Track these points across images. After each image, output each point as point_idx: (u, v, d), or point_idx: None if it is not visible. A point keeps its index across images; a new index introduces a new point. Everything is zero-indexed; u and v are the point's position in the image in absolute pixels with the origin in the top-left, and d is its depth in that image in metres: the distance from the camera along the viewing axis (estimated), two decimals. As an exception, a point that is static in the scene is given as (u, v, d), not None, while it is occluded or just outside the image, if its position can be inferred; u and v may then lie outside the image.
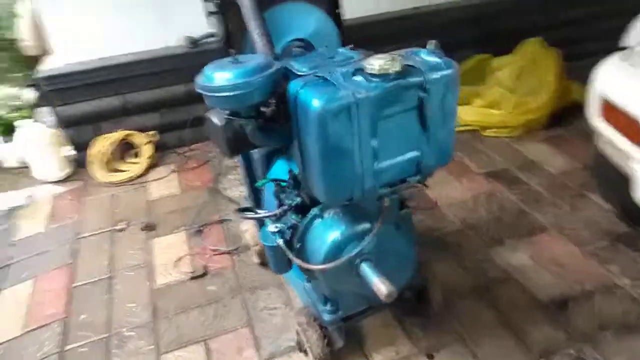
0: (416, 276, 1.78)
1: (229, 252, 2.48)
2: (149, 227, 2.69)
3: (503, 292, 2.13)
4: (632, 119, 1.91)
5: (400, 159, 1.37)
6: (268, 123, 1.43)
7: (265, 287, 2.25)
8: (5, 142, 3.35)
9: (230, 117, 1.38)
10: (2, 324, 2.21)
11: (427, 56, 1.35)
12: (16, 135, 3.22)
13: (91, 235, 2.72)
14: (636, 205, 2.04)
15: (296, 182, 1.58)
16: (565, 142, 3.18)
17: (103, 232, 2.73)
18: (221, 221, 2.70)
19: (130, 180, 3.18)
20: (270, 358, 1.93)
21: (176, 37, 3.07)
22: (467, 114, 3.39)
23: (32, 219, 2.90)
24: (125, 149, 3.31)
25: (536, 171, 2.93)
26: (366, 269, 1.46)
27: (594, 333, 1.92)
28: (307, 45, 1.79)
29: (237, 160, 2.21)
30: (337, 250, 1.50)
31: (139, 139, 3.30)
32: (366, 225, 1.51)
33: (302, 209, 1.60)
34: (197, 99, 1.35)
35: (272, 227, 1.60)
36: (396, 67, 1.24)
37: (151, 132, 3.33)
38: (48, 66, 3.14)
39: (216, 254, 2.47)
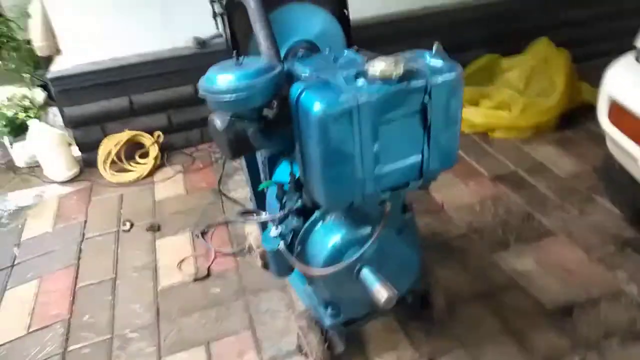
0: (419, 281, 1.77)
1: (233, 254, 2.47)
2: (154, 228, 2.70)
3: (507, 297, 2.11)
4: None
5: (402, 163, 1.35)
6: (270, 126, 1.42)
7: (268, 289, 2.24)
8: (16, 141, 3.37)
9: (233, 120, 1.38)
10: (6, 323, 2.23)
11: (431, 59, 1.33)
12: (28, 134, 3.24)
13: (97, 235, 2.73)
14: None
15: (298, 185, 1.57)
16: (574, 145, 3.14)
17: (109, 232, 2.74)
18: (226, 223, 2.70)
19: (137, 180, 3.19)
20: (271, 361, 1.93)
21: (184, 38, 3.07)
22: (475, 116, 3.36)
23: (40, 219, 2.92)
24: (132, 149, 3.32)
25: (544, 174, 2.90)
26: (366, 274, 1.45)
27: (599, 341, 1.89)
28: (312, 47, 1.78)
29: (239, 162, 2.20)
30: (337, 254, 1.49)
31: (146, 139, 3.31)
32: (367, 230, 1.50)
33: (303, 213, 1.59)
34: (204, 99, 1.35)
35: (273, 231, 1.59)
36: (399, 71, 1.23)
37: (157, 133, 3.34)
38: (56, 67, 3.16)
39: (220, 256, 2.47)
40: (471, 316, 2.04)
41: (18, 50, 3.51)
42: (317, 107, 1.19)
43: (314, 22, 1.79)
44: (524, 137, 3.27)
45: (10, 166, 3.45)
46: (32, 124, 3.19)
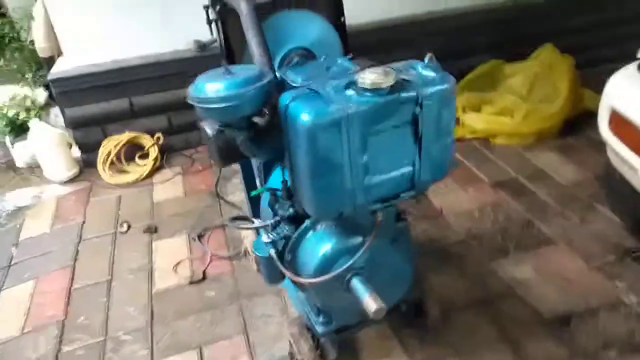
0: (412, 290, 1.75)
1: (229, 258, 2.47)
2: (151, 230, 2.70)
3: (505, 305, 2.09)
4: (641, 134, 1.85)
5: (393, 174, 1.34)
6: (261, 134, 1.41)
7: (263, 294, 2.23)
8: (16, 141, 3.39)
9: (222, 128, 1.37)
10: (1, 324, 2.23)
11: (423, 70, 1.32)
12: (28, 134, 3.26)
13: (94, 236, 2.74)
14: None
15: (289, 193, 1.56)
16: (576, 152, 3.11)
17: (106, 233, 2.75)
18: (222, 226, 2.69)
19: (136, 182, 3.19)
20: (264, 367, 1.92)
21: (185, 41, 3.08)
22: (477, 122, 3.34)
23: (38, 219, 2.94)
24: (132, 150, 3.33)
25: (545, 181, 2.87)
26: (356, 284, 1.44)
27: (597, 351, 1.87)
28: (308, 54, 1.77)
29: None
30: (327, 264, 1.47)
31: (146, 141, 3.31)
32: (359, 239, 1.49)
33: (295, 220, 1.58)
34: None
35: (265, 238, 1.58)
36: (389, 82, 1.21)
37: (157, 135, 3.34)
38: (57, 68, 3.17)
39: (216, 259, 2.46)
40: (467, 324, 2.02)
41: (21, 50, 3.53)
42: (306, 117, 1.18)
43: (310, 29, 1.78)
44: (525, 143, 3.24)
45: (11, 166, 3.47)
46: (33, 124, 3.20)
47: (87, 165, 3.36)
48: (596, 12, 3.95)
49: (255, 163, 1.94)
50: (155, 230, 2.71)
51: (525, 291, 2.14)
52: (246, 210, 2.44)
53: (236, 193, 2.94)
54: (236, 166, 3.04)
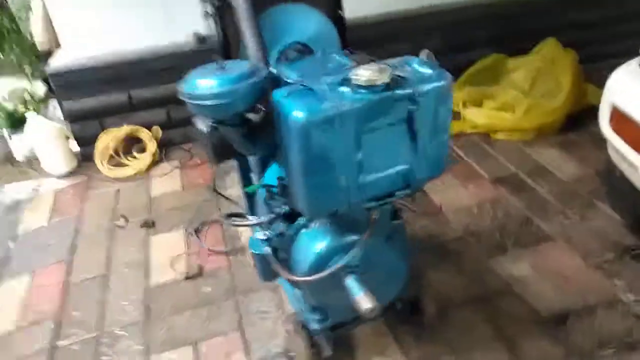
0: (408, 288, 1.74)
1: (225, 253, 2.46)
2: (148, 224, 2.69)
3: (501, 303, 2.07)
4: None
5: (388, 172, 1.32)
6: (255, 130, 1.39)
7: (259, 289, 2.22)
8: (15, 134, 3.38)
9: (215, 125, 1.35)
10: (-3, 318, 2.24)
11: (419, 66, 1.30)
12: (25, 127, 3.25)
13: (92, 230, 2.74)
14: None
15: (285, 190, 1.55)
16: (578, 148, 3.08)
17: (103, 227, 2.75)
18: (220, 220, 2.68)
19: (134, 175, 3.18)
20: (259, 363, 1.92)
21: (184, 34, 3.04)
22: (478, 117, 3.31)
23: (36, 212, 2.94)
24: (131, 144, 3.31)
25: (546, 177, 2.85)
26: (350, 282, 1.43)
27: (593, 350, 1.85)
28: (305, 49, 1.75)
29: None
30: (322, 262, 1.46)
31: (144, 134, 3.30)
32: (354, 237, 1.47)
33: (290, 217, 1.57)
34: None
35: (259, 235, 1.57)
36: (384, 79, 1.19)
37: (156, 128, 3.33)
38: (56, 61, 3.16)
39: (213, 254, 2.46)
40: (463, 321, 2.01)
41: (19, 43, 3.51)
42: (298, 114, 1.16)
43: (308, 23, 1.76)
44: (526, 139, 3.21)
45: (9, 159, 3.47)
46: (30, 117, 3.19)
47: (85, 158, 3.35)
48: (600, 7, 3.90)
49: (251, 158, 1.92)
50: (153, 224, 2.70)
51: (523, 289, 2.13)
52: (243, 205, 2.43)
53: (234, 187, 2.90)
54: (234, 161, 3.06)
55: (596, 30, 3.94)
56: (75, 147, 3.34)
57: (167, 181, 3.12)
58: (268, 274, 1.61)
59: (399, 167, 1.33)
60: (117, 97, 3.26)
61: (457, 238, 2.46)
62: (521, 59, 3.54)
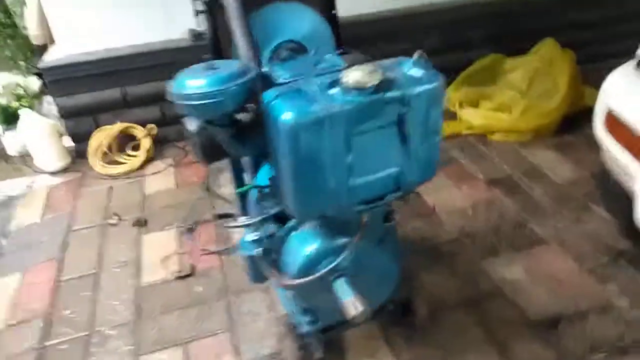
0: (400, 290, 1.73)
1: (218, 252, 2.44)
2: (141, 223, 2.68)
3: (493, 306, 2.07)
4: (638, 136, 1.81)
5: (378, 175, 1.31)
6: (245, 130, 1.38)
7: (251, 290, 2.21)
8: (8, 130, 3.36)
9: (204, 125, 1.34)
10: (-14, 317, 2.22)
11: (411, 68, 1.28)
12: (18, 124, 3.22)
13: (84, 228, 2.72)
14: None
15: (276, 191, 1.53)
16: (574, 150, 3.07)
17: (95, 225, 2.73)
18: (213, 220, 2.67)
19: (128, 173, 3.16)
20: (249, 365, 1.91)
21: (179, 30, 3.02)
22: (475, 117, 3.30)
23: (29, 209, 2.91)
24: (125, 141, 3.29)
25: (541, 179, 2.84)
26: (339, 286, 1.41)
27: (584, 355, 1.85)
28: (299, 47, 1.73)
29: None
30: (311, 264, 1.45)
31: (138, 131, 3.28)
32: (344, 240, 1.46)
33: (281, 218, 1.55)
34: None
35: (250, 235, 1.56)
36: (374, 81, 1.18)
37: (150, 125, 3.31)
38: (49, 56, 3.13)
39: (205, 254, 2.44)
40: (455, 323, 2.00)
41: (14, 37, 3.48)
42: (287, 116, 1.15)
43: (301, 22, 1.74)
44: (523, 140, 3.20)
45: (2, 155, 3.44)
46: (24, 113, 3.17)
47: (79, 155, 3.32)
48: (599, 7, 3.89)
49: (244, 158, 1.90)
50: (145, 223, 2.68)
51: (515, 292, 2.12)
52: (235, 204, 2.42)
53: (228, 186, 2.90)
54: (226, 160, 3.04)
55: (596, 30, 3.93)
56: (69, 143, 3.31)
57: (161, 179, 3.10)
58: (258, 276, 1.59)
59: (390, 170, 1.32)
60: (111, 93, 3.23)
61: (451, 240, 2.45)
62: (519, 59, 3.52)
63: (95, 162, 3.19)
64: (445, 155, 3.05)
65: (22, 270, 2.45)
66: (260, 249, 1.52)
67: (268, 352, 1.92)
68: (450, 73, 3.57)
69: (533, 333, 1.94)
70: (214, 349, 1.97)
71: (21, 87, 3.37)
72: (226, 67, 1.28)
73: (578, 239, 2.38)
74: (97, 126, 3.26)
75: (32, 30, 3.32)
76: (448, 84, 3.49)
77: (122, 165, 3.19)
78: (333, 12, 1.82)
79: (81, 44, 3.10)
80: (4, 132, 3.36)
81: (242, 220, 1.64)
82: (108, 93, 3.23)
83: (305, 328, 1.71)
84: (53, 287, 2.33)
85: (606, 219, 2.46)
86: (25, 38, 3.47)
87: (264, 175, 1.74)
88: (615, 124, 1.94)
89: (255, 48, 1.47)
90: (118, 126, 3.23)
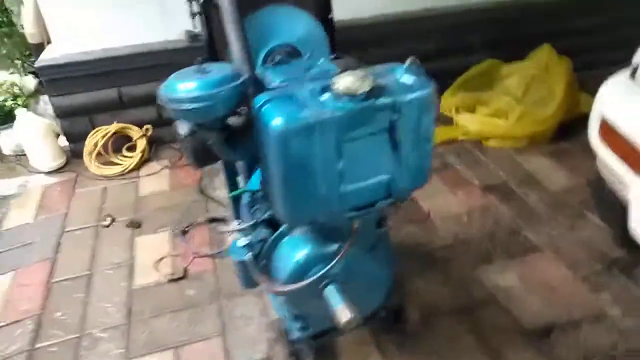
0: (392, 296, 1.72)
1: (211, 255, 2.43)
2: (134, 225, 2.66)
3: (486, 314, 2.06)
4: (632, 145, 1.81)
5: (369, 182, 1.30)
6: (236, 135, 1.37)
7: (244, 294, 2.19)
8: (3, 129, 3.35)
9: (195, 129, 1.33)
10: (-24, 317, 2.21)
11: (403, 75, 1.27)
12: (14, 124, 3.21)
13: (77, 229, 2.70)
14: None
15: (268, 196, 1.52)
16: (569, 157, 3.06)
17: (89, 226, 2.71)
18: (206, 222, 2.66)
19: (123, 174, 3.15)
20: (240, 370, 1.90)
21: (176, 31, 3.02)
22: (471, 123, 3.30)
23: (22, 209, 2.90)
24: (120, 142, 3.28)
25: (536, 186, 2.83)
26: (329, 293, 1.41)
27: (577, 363, 1.84)
28: (294, 51, 1.73)
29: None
30: (302, 270, 1.44)
31: (134, 132, 3.27)
32: (335, 246, 1.45)
33: (273, 223, 1.54)
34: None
35: (241, 240, 1.55)
36: (365, 88, 1.17)
37: (146, 126, 3.30)
38: (46, 55, 3.12)
39: (198, 256, 2.43)
40: (448, 330, 1.99)
41: (11, 36, 3.48)
42: (277, 122, 1.14)
43: (297, 25, 1.73)
44: (518, 146, 3.19)
45: (-1, 154, 3.43)
46: (19, 113, 3.15)
47: (74, 155, 3.31)
48: (596, 14, 3.89)
49: (239, 162, 1.89)
50: (139, 225, 2.67)
51: (509, 299, 2.11)
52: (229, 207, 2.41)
53: (222, 189, 2.90)
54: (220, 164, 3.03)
55: (594, 37, 3.92)
56: (64, 143, 3.30)
57: (155, 180, 3.09)
58: (249, 281, 1.59)
59: (381, 177, 1.31)
60: (107, 93, 3.22)
61: (445, 246, 2.44)
62: (515, 65, 3.52)
63: (90, 162, 3.18)
64: (434, 162, 3.04)
65: (14, 271, 2.43)
66: (251, 254, 1.52)
67: (260, 357, 1.90)
68: (448, 77, 3.61)
69: (526, 341, 1.93)
70: (205, 353, 1.96)
71: (17, 86, 3.36)
72: (217, 70, 1.28)
73: (572, 247, 2.37)
74: (93, 126, 3.25)
75: (29, 28, 3.32)
76: (445, 88, 3.51)
77: (117, 166, 3.18)
78: (329, 16, 1.81)
79: (78, 43, 3.09)
80: (-1, 131, 3.35)
81: (234, 224, 1.63)
82: (104, 93, 3.21)
83: (296, 334, 1.70)
84: (45, 289, 2.32)
85: (600, 227, 2.46)
86: (22, 37, 3.46)
87: (257, 180, 1.74)
88: (609, 133, 1.93)
89: (249, 52, 1.47)
90: (114, 126, 3.21)
